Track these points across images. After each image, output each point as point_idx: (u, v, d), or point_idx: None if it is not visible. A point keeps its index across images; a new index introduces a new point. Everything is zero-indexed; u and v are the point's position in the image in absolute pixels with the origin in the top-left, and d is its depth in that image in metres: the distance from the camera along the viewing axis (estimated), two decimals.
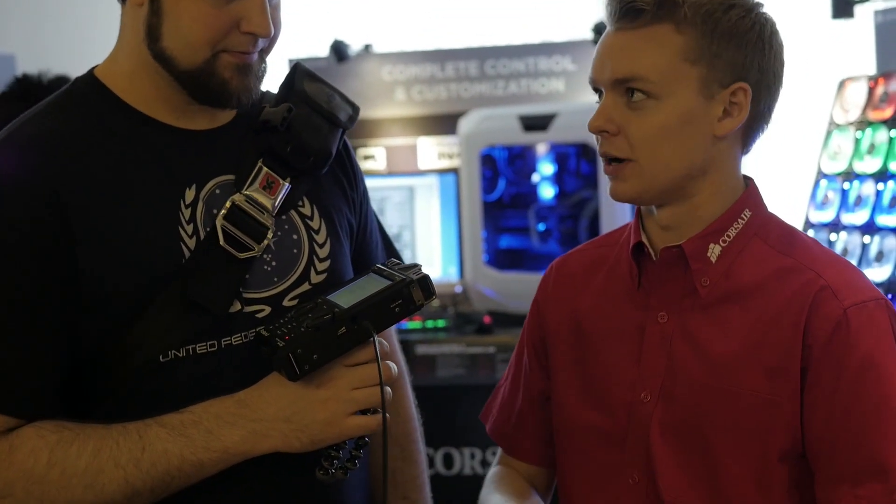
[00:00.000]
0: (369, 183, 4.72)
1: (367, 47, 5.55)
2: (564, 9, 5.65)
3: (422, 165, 5.31)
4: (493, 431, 1.86)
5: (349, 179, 1.83)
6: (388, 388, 1.58)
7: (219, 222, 1.61)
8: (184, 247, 1.60)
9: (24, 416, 1.53)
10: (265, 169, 1.67)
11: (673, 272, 1.61)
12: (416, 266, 1.61)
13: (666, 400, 1.58)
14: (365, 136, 5.37)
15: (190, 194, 1.62)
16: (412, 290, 1.56)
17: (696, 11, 1.51)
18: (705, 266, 1.58)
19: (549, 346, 1.75)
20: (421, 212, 4.76)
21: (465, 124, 4.52)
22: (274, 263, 1.67)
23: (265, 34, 1.59)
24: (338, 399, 1.55)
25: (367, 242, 1.89)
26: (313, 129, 1.71)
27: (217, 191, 1.64)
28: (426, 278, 1.58)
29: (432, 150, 5.36)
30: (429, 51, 5.49)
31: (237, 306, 1.62)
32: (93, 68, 1.69)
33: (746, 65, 1.54)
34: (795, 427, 1.53)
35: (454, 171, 4.89)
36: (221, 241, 1.61)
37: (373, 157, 5.39)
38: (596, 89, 1.60)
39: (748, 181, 1.64)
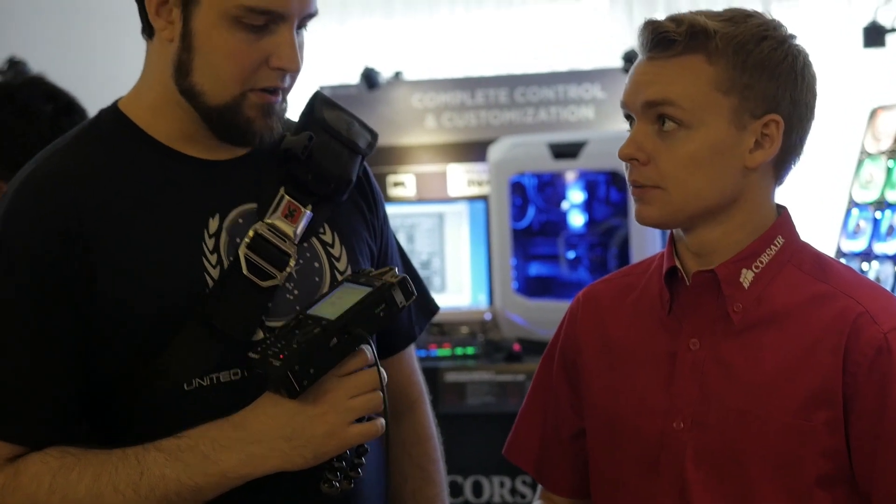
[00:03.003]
0: (399, 210, 4.79)
1: (397, 75, 5.57)
2: (594, 37, 5.66)
3: (451, 192, 5.32)
4: (525, 464, 1.85)
5: (369, 205, 1.82)
6: (379, 395, 1.56)
7: (242, 251, 1.62)
8: (207, 276, 1.60)
9: (31, 445, 1.55)
10: (287, 197, 1.68)
11: (705, 298, 1.60)
12: (390, 269, 1.61)
13: (699, 428, 1.57)
14: (395, 163, 5.38)
15: (213, 224, 1.63)
16: (394, 293, 1.56)
17: (728, 43, 1.51)
18: (737, 291, 1.58)
19: (580, 376, 1.74)
20: (451, 239, 4.77)
21: (494, 152, 4.53)
22: (296, 292, 1.67)
23: (294, 69, 1.59)
24: (336, 410, 1.53)
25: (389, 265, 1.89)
26: (334, 156, 1.72)
27: (240, 220, 1.65)
28: (405, 280, 1.57)
29: (462, 178, 5.37)
30: (459, 78, 5.51)
31: (260, 335, 1.62)
32: (117, 100, 1.70)
33: (778, 97, 1.54)
34: (837, 453, 1.52)
35: (484, 198, 4.89)
36: (244, 270, 1.61)
37: (403, 184, 5.41)
38: (627, 117, 1.60)
39: (781, 209, 1.64)
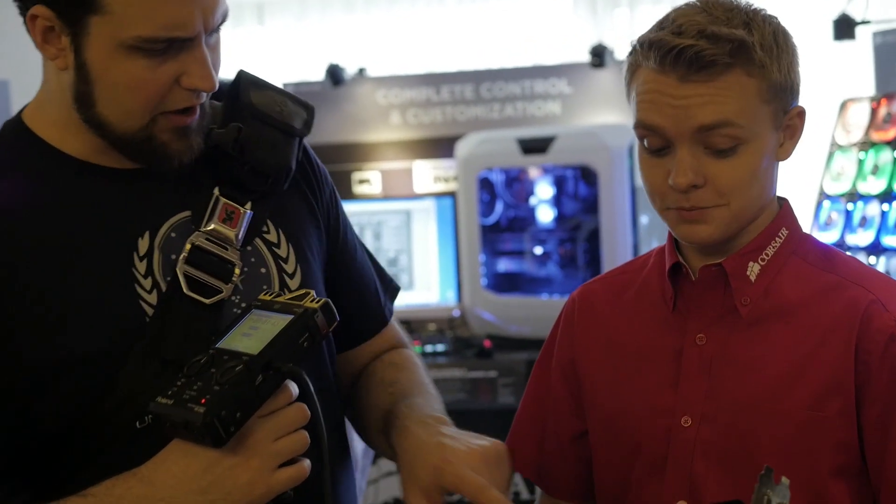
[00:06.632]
0: (365, 207, 4.76)
1: (361, 71, 5.53)
2: (560, 32, 5.64)
3: (418, 189, 5.29)
4: (525, 470, 1.80)
5: (313, 189, 1.68)
6: (305, 433, 1.41)
7: (179, 269, 1.48)
8: (144, 304, 1.46)
9: None
10: (222, 199, 1.54)
11: (711, 292, 1.58)
12: (307, 292, 1.46)
13: (708, 424, 1.55)
14: (360, 160, 5.34)
15: (143, 244, 1.48)
16: (317, 319, 1.42)
17: (762, 52, 1.47)
18: (745, 285, 1.56)
19: (580, 377, 1.71)
20: (418, 236, 4.73)
21: (462, 147, 4.50)
22: (243, 305, 1.52)
23: (209, 88, 1.45)
24: (260, 454, 1.37)
25: (344, 249, 1.74)
26: (268, 144, 1.58)
27: (173, 234, 1.51)
28: (328, 304, 1.44)
29: (428, 174, 5.34)
30: (424, 74, 5.48)
31: None
32: (21, 112, 1.54)
33: (797, 85, 1.53)
34: (849, 444, 1.51)
35: (451, 194, 4.86)
36: (185, 289, 1.47)
37: (368, 181, 5.37)
38: (645, 137, 1.52)
39: (782, 201, 1.63)
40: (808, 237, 1.63)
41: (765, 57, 1.47)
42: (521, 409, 1.80)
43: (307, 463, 1.42)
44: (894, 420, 1.48)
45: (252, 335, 1.41)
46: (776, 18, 1.52)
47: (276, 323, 1.41)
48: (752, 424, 1.52)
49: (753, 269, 1.56)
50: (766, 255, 1.57)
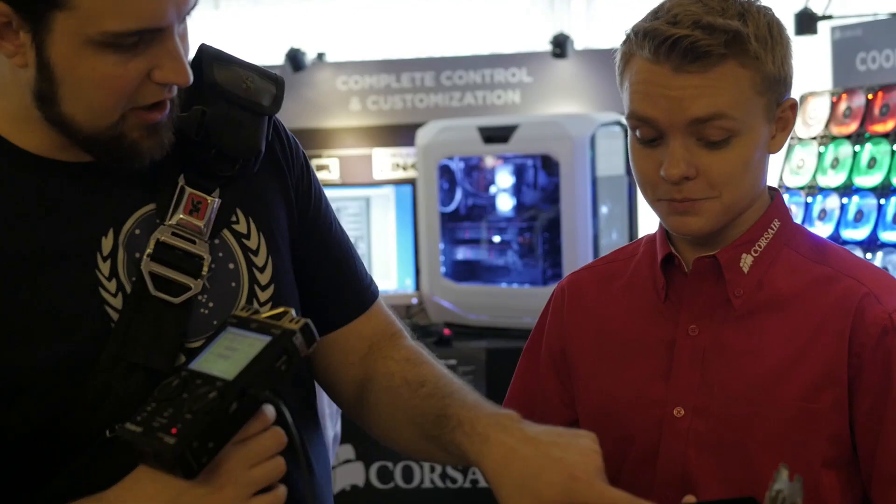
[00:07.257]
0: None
1: (320, 56, 5.49)
2: (521, 21, 5.63)
3: (377, 176, 5.27)
4: None
5: (281, 165, 1.59)
6: (282, 459, 1.35)
7: (145, 268, 1.41)
8: (109, 309, 1.39)
9: None
10: (188, 189, 1.46)
11: (704, 284, 1.58)
12: (286, 311, 1.37)
13: (701, 415, 1.55)
14: (319, 146, 5.32)
15: (107, 244, 1.41)
16: (296, 341, 1.35)
17: (757, 44, 1.47)
18: (738, 276, 1.56)
19: (570, 367, 1.71)
20: (377, 223, 4.71)
21: (423, 135, 4.48)
22: (211, 304, 1.46)
23: (184, 82, 1.37)
24: (234, 483, 1.31)
25: (317, 218, 1.64)
26: (234, 126, 1.49)
27: (137, 230, 1.43)
28: (308, 325, 1.35)
29: (387, 161, 5.32)
30: (384, 60, 5.46)
31: (182, 360, 1.42)
32: None
33: (790, 77, 1.54)
34: (841, 436, 1.52)
35: (410, 182, 4.85)
36: (152, 290, 1.41)
37: (327, 168, 5.34)
38: (637, 128, 1.52)
39: (773, 192, 1.63)
40: (801, 229, 1.63)
41: (759, 48, 1.47)
42: (508, 399, 1.78)
43: (282, 490, 1.36)
44: (886, 412, 1.49)
45: (227, 357, 1.34)
46: (770, 10, 1.52)
47: (252, 344, 1.34)
48: (746, 416, 1.52)
49: (746, 261, 1.56)
50: (759, 246, 1.57)
